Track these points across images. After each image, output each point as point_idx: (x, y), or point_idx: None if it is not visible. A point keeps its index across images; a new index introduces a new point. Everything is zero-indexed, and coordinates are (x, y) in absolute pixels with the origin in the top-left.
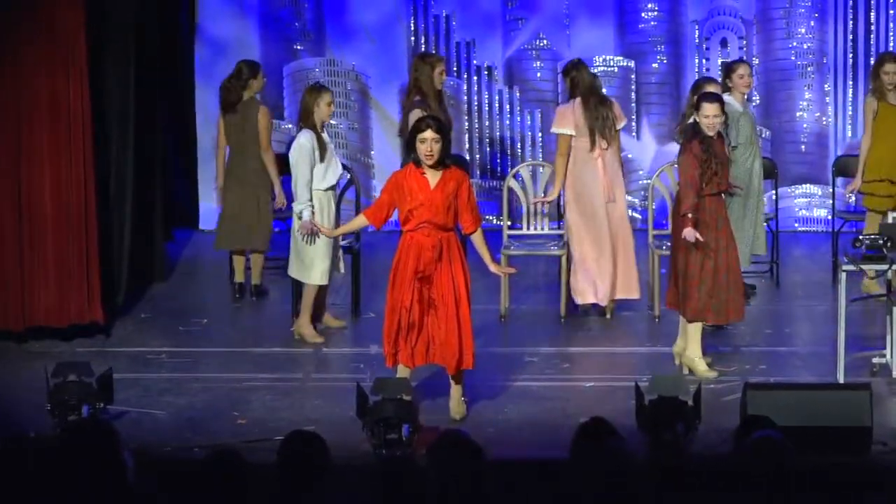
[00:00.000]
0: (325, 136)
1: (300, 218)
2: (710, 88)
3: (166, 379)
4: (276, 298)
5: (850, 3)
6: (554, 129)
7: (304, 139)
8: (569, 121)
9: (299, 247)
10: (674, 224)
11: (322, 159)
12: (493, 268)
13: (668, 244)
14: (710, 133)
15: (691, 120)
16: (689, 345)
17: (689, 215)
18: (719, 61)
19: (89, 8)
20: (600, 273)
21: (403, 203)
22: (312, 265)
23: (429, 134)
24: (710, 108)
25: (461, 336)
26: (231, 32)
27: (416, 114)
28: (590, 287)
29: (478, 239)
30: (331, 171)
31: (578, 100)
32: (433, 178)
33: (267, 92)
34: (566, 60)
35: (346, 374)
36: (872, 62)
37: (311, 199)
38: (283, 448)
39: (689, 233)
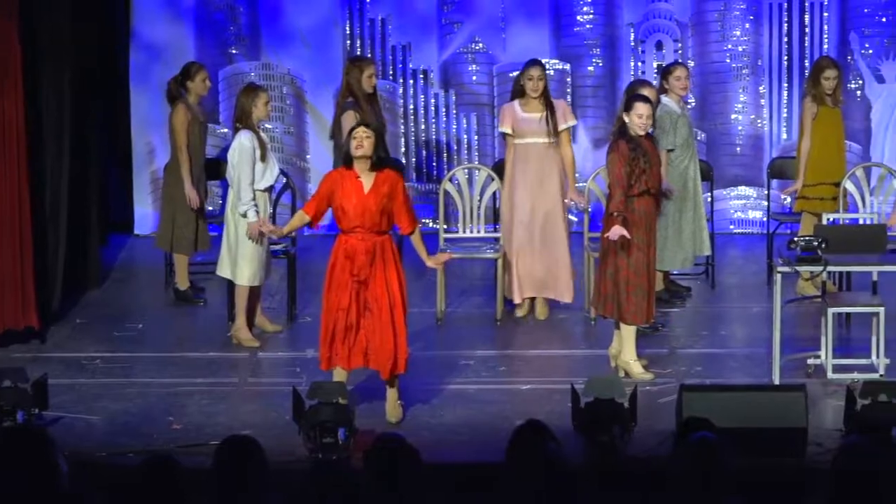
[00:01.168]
0: (263, 135)
1: (245, 217)
2: (646, 91)
3: (101, 384)
4: (211, 302)
5: (785, 5)
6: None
7: (245, 139)
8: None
9: (231, 247)
10: (604, 227)
11: (262, 159)
12: (429, 262)
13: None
14: (640, 132)
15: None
16: (624, 347)
17: (615, 214)
18: (655, 64)
19: (23, 15)
20: (525, 271)
21: (338, 202)
22: (243, 266)
23: (360, 131)
24: (643, 108)
25: (396, 341)
26: (166, 37)
27: (348, 115)
28: (516, 285)
29: (416, 239)
30: (269, 172)
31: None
32: (367, 180)
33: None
34: (503, 64)
35: (282, 378)
36: (807, 65)
37: (254, 200)
38: (218, 453)
39: (616, 231)
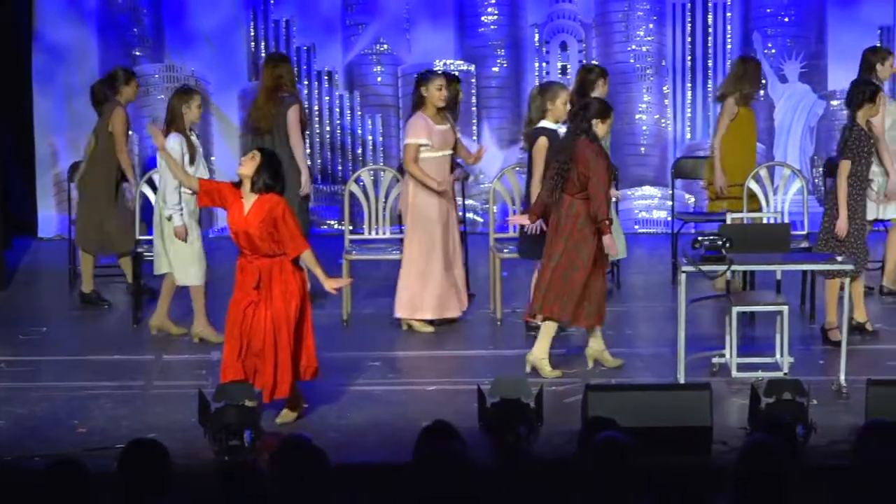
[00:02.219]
0: (194, 138)
1: (170, 220)
2: (562, 93)
3: (5, 388)
4: (115, 305)
5: (688, 6)
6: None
7: (174, 143)
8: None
9: (177, 249)
10: (564, 231)
11: (191, 162)
12: (327, 285)
13: (510, 248)
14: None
15: (591, 126)
16: (538, 344)
17: (609, 221)
18: (559, 65)
19: None
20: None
21: (228, 217)
22: (188, 267)
23: (250, 154)
24: (611, 119)
25: (277, 366)
26: (70, 39)
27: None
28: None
29: (309, 261)
30: (199, 174)
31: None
32: (248, 202)
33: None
34: (407, 65)
35: (188, 380)
36: (711, 65)
37: (180, 203)
38: (123, 456)
39: (610, 242)
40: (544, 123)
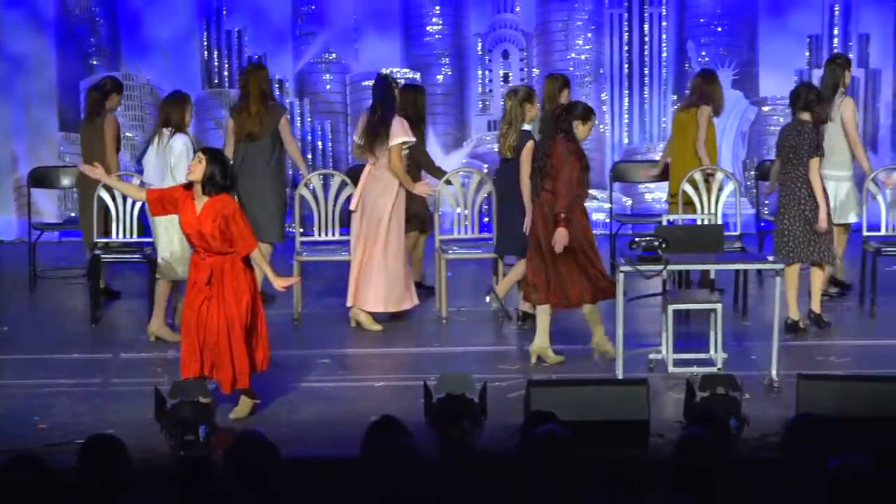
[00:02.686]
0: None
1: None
2: (534, 95)
3: None
4: (73, 305)
5: (625, 16)
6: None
7: (182, 143)
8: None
9: (174, 248)
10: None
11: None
12: (276, 284)
13: (454, 249)
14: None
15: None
16: (539, 334)
17: (564, 215)
18: (501, 73)
19: None
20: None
21: (181, 219)
22: (179, 264)
23: (198, 155)
24: (592, 122)
25: (234, 359)
26: (29, 49)
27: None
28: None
29: (257, 258)
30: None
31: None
32: (199, 203)
33: (63, 106)
34: (355, 73)
35: (144, 378)
36: (647, 72)
37: None
38: (83, 451)
39: (561, 238)
40: (527, 127)
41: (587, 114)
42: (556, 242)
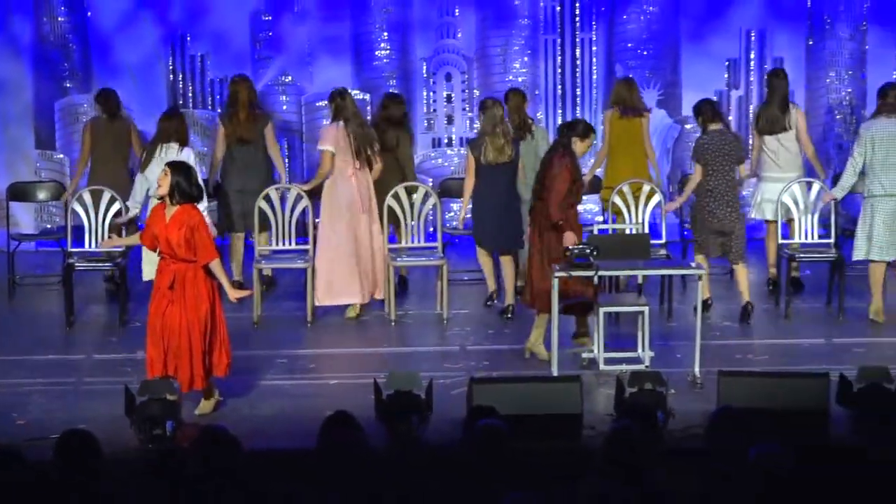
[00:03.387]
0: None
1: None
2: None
3: None
4: (47, 310)
5: (559, 41)
6: (319, 146)
7: (190, 156)
8: (332, 139)
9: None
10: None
11: None
12: (231, 294)
13: (401, 258)
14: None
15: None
16: (534, 332)
17: (562, 222)
18: (444, 94)
19: None
20: (338, 277)
21: (155, 230)
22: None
23: (163, 171)
24: (591, 139)
25: (192, 361)
26: (6, 72)
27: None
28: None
29: (215, 268)
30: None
31: (342, 122)
32: (169, 212)
33: (39, 125)
34: (310, 94)
35: (115, 377)
36: (580, 93)
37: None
38: (58, 445)
39: (570, 238)
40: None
41: (587, 131)
42: (566, 240)
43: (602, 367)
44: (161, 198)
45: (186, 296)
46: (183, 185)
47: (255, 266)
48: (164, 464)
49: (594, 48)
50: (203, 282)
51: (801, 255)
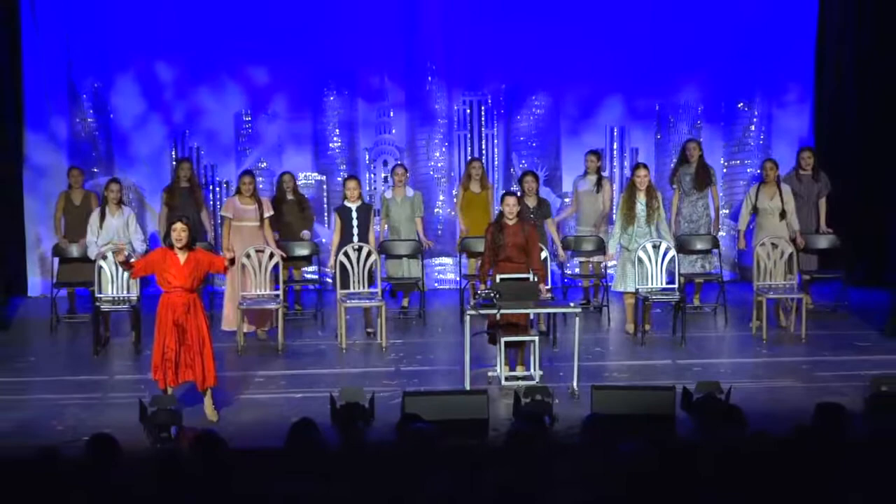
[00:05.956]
0: None
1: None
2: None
3: (4, 400)
4: (81, 342)
5: (469, 135)
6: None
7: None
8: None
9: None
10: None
11: None
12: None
13: (353, 299)
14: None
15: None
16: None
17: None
18: (382, 175)
19: None
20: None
21: (161, 272)
22: None
23: (178, 226)
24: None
25: (204, 364)
26: (48, 160)
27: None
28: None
29: (227, 257)
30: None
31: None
32: (182, 256)
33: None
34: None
35: (131, 393)
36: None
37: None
38: (88, 445)
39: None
40: None
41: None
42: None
43: (503, 382)
44: (181, 247)
45: (197, 317)
46: (194, 237)
47: (237, 308)
48: (170, 460)
49: (496, 140)
50: (201, 309)
51: (654, 297)
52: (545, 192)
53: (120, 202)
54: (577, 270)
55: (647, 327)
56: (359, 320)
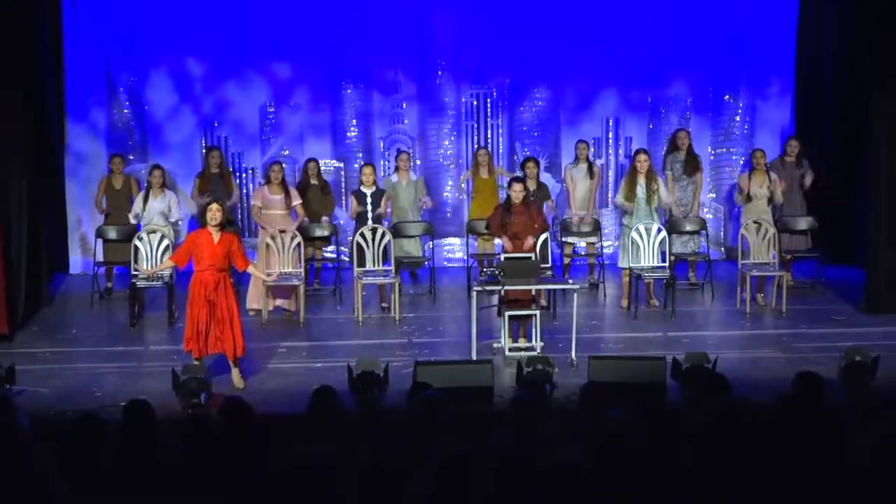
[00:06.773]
0: None
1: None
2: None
3: (49, 369)
4: (119, 315)
5: (475, 125)
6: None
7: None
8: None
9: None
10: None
11: None
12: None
13: (368, 276)
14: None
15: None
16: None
17: None
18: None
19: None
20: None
21: (197, 252)
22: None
23: (214, 206)
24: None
25: (234, 336)
26: (88, 147)
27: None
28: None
29: (252, 271)
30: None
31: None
32: (216, 236)
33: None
34: (301, 163)
35: (165, 362)
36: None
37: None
38: (125, 410)
39: None
40: None
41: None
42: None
43: (507, 353)
44: (215, 225)
45: (227, 292)
46: (229, 218)
47: (263, 284)
48: (200, 424)
49: (500, 130)
50: (231, 286)
51: (647, 275)
52: (546, 177)
53: (162, 186)
54: (581, 251)
55: (655, 303)
56: (374, 295)
